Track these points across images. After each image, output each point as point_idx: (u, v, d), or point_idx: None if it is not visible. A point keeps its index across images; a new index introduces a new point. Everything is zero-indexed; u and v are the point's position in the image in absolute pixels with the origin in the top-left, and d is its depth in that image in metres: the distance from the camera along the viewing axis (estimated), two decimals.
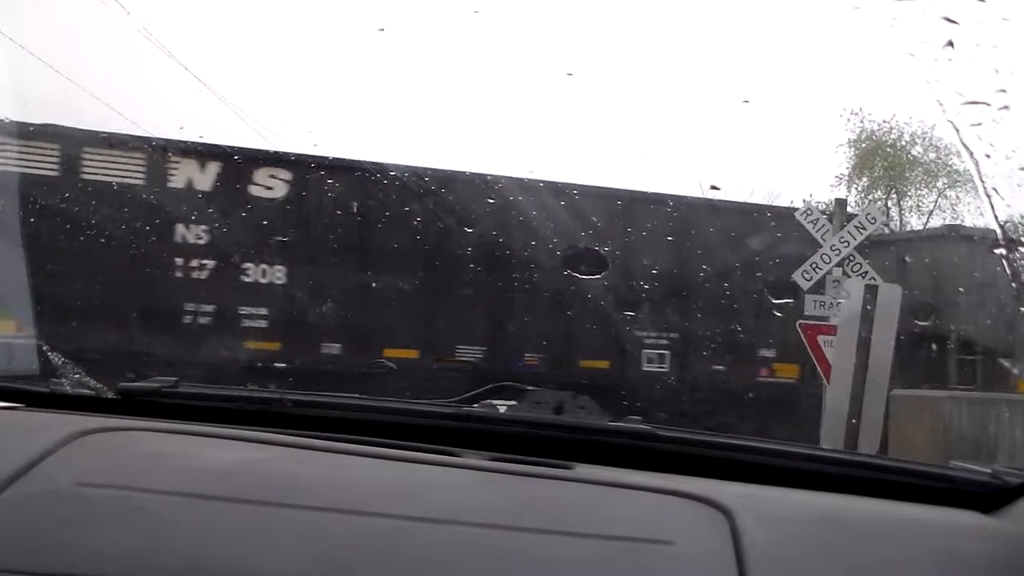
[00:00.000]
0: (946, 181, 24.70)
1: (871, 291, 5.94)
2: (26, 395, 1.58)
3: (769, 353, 11.64)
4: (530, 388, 1.77)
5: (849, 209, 11.21)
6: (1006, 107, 1.84)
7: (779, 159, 38.43)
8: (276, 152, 11.14)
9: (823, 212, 9.27)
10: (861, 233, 8.26)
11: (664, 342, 11.41)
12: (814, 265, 8.29)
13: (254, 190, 10.75)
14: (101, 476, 1.19)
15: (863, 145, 25.29)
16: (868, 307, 5.76)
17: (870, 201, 24.36)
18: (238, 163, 10.78)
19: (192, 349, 9.92)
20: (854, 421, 5.59)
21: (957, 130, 1.75)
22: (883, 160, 25.12)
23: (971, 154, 1.74)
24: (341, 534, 1.12)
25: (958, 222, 22.50)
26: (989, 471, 1.46)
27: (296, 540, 1.09)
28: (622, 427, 1.57)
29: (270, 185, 10.80)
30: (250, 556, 1.07)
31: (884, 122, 25.07)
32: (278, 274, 10.75)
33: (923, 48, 1.78)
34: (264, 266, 10.72)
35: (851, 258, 8.28)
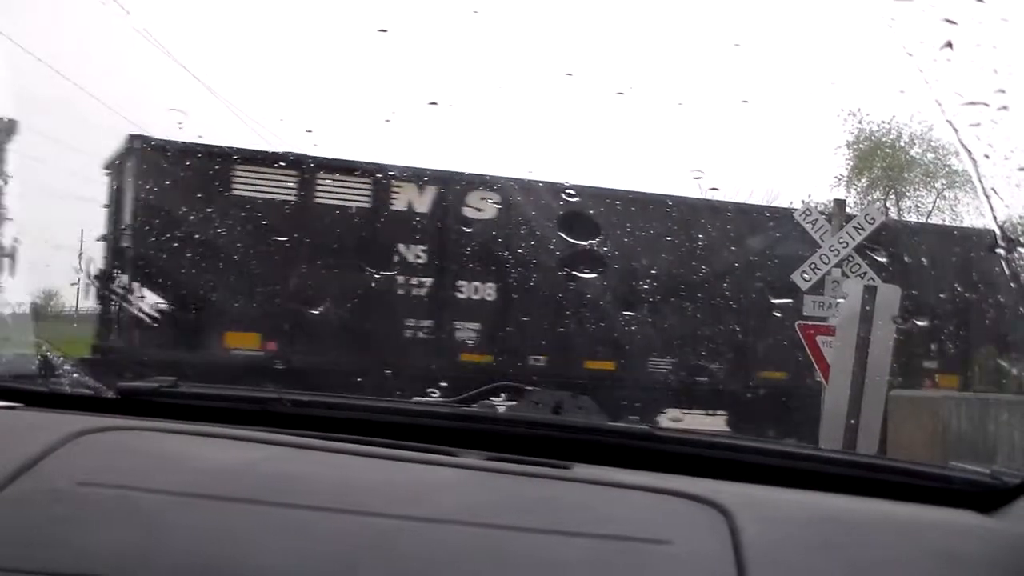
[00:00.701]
0: (945, 182, 24.72)
1: (870, 292, 5.94)
2: (25, 394, 1.58)
3: (931, 365, 12.14)
4: (529, 388, 1.77)
5: (848, 210, 11.23)
6: (1005, 107, 1.84)
7: (778, 160, 38.45)
8: (487, 176, 11.88)
9: (822, 213, 9.26)
10: (860, 233, 8.27)
11: None
12: (813, 266, 8.30)
13: (467, 212, 11.51)
14: (100, 475, 1.19)
15: (862, 146, 25.29)
16: (867, 308, 5.77)
17: (869, 201, 24.37)
18: (453, 187, 11.56)
19: (413, 362, 10.71)
20: (852, 422, 5.60)
21: (956, 130, 1.75)
22: (882, 161, 25.11)
23: (970, 154, 1.74)
24: (340, 534, 1.12)
25: (958, 223, 22.54)
26: (987, 471, 1.46)
27: (295, 540, 1.09)
28: (620, 427, 1.57)
29: (481, 207, 11.57)
30: (249, 556, 1.07)
31: (883, 123, 25.08)
32: (489, 291, 11.53)
33: (922, 48, 1.78)
34: (476, 283, 11.51)
35: (850, 258, 8.29)
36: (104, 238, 11.47)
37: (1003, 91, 1.83)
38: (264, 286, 10.61)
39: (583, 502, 1.25)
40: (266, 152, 11.11)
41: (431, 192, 11.47)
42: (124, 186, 10.98)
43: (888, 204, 24.92)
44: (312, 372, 9.89)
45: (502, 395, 1.83)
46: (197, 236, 10.45)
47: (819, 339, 7.30)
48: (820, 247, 8.33)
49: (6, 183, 10.10)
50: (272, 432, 1.42)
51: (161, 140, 10.73)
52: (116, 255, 11.15)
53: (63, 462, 1.21)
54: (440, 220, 11.46)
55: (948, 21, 1.85)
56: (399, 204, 11.38)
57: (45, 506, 1.13)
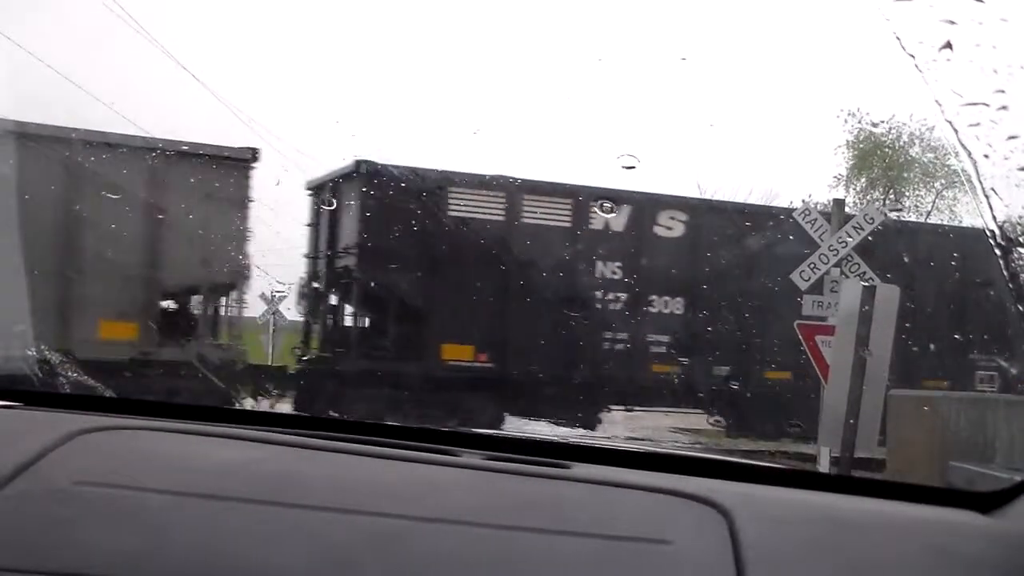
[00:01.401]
0: (944, 182, 24.74)
1: (869, 292, 5.94)
2: (25, 394, 1.58)
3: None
4: None
5: (847, 210, 11.30)
6: (1004, 107, 1.83)
7: (778, 159, 38.43)
8: (676, 196, 12.75)
9: (821, 212, 9.24)
10: (859, 233, 8.26)
11: (995, 365, 12.72)
12: (812, 265, 8.29)
13: (658, 231, 12.25)
14: (99, 475, 1.19)
15: (861, 146, 25.31)
16: (866, 307, 5.76)
17: (868, 201, 24.40)
18: (646, 207, 12.29)
19: (612, 372, 11.62)
20: (852, 421, 5.59)
21: (955, 131, 1.75)
22: (881, 160, 25.14)
23: (969, 154, 1.73)
24: (340, 533, 1.12)
25: (956, 222, 22.57)
26: (986, 471, 1.46)
27: (295, 539, 1.09)
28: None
29: (670, 226, 12.31)
30: (249, 555, 1.07)
31: (882, 122, 25.10)
32: (677, 306, 12.22)
33: (922, 48, 1.78)
34: (667, 298, 12.20)
35: (849, 258, 8.28)
36: (314, 256, 12.36)
37: (1003, 91, 1.82)
38: (476, 301, 11.37)
39: (583, 502, 1.25)
40: (476, 175, 12.03)
41: (625, 212, 12.20)
42: (344, 208, 11.85)
43: (887, 204, 24.95)
44: (522, 383, 10.88)
45: None
46: (415, 254, 11.36)
47: (818, 339, 7.30)
48: (819, 247, 8.32)
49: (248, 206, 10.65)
50: (271, 431, 1.42)
51: (384, 165, 11.55)
52: (335, 272, 12.03)
53: (61, 462, 1.21)
54: (633, 238, 12.19)
55: (948, 21, 1.84)
56: (596, 223, 12.13)
57: (43, 505, 1.12)
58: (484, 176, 11.92)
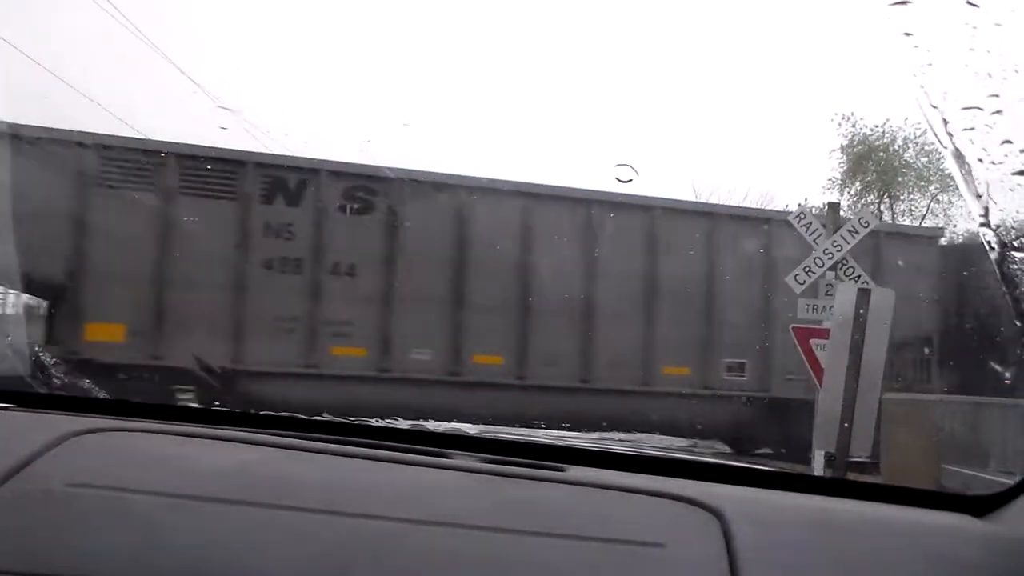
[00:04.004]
0: (938, 186, 24.81)
1: (864, 295, 5.94)
2: (19, 395, 1.58)
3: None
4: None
5: (842, 213, 11.33)
6: (999, 112, 1.84)
7: (773, 163, 38.51)
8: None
9: (816, 216, 9.25)
10: (854, 237, 8.27)
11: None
12: (807, 269, 8.29)
13: None
14: (92, 477, 1.19)
15: (855, 149, 25.38)
16: (861, 311, 5.77)
17: (863, 205, 24.48)
18: None
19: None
20: (846, 425, 5.59)
21: (950, 135, 1.75)
22: (875, 164, 25.21)
23: (964, 159, 1.74)
24: (334, 536, 1.11)
25: (951, 226, 22.65)
26: (981, 475, 1.47)
27: (289, 542, 1.09)
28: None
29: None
30: (242, 557, 1.07)
31: (876, 127, 25.18)
32: None
33: (916, 52, 1.78)
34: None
35: (844, 262, 8.29)
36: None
37: (997, 95, 1.83)
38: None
39: (577, 505, 1.25)
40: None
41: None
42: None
43: (882, 207, 25.03)
44: None
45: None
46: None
47: (813, 342, 7.30)
48: (814, 250, 8.34)
49: None
50: (265, 434, 1.41)
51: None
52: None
53: (56, 463, 1.21)
54: None
55: (943, 25, 1.85)
56: None
57: (37, 507, 1.12)
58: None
